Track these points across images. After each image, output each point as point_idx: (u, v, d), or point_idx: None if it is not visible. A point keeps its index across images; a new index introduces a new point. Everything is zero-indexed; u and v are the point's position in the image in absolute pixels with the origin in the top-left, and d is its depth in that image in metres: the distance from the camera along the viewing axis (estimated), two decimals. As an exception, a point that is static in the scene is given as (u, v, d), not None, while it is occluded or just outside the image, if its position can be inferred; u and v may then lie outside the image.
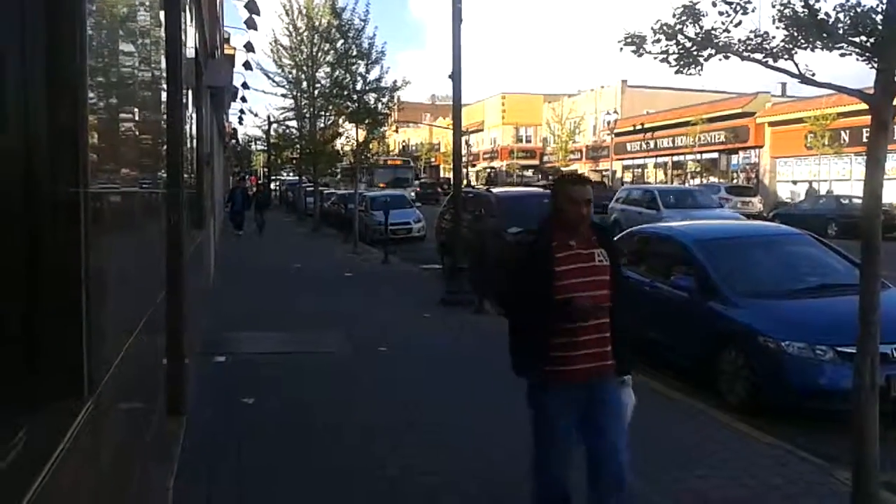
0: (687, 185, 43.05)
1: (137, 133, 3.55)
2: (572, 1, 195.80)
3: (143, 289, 3.65)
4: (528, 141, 71.26)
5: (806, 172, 37.33)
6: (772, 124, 39.66)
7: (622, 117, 52.44)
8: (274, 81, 32.81)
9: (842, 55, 4.58)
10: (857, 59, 4.57)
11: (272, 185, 55.74)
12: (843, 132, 31.94)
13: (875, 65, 4.34)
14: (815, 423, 6.33)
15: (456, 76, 13.71)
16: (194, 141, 9.86)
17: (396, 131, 73.86)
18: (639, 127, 49.08)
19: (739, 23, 4.71)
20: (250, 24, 21.83)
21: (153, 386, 4.08)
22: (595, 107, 58.02)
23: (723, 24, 4.71)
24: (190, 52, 9.07)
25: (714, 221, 12.07)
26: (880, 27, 4.28)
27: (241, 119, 44.68)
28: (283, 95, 33.59)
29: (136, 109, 3.50)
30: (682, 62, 4.76)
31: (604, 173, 55.02)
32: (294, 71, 31.96)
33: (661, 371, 8.12)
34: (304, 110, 31.87)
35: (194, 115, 9.59)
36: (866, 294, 4.12)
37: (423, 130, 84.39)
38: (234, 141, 49.03)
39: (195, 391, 6.71)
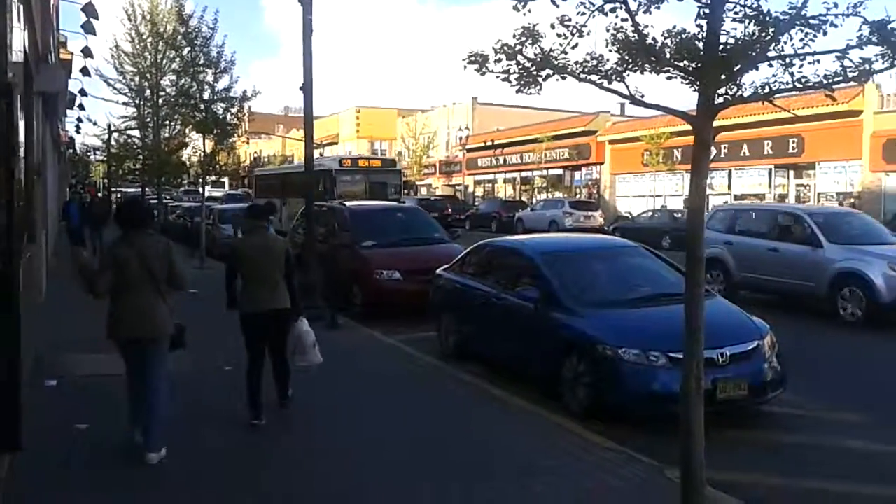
0: (534, 199, 44.63)
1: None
2: (427, 18, 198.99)
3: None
4: (384, 155, 71.55)
5: (643, 188, 39.55)
6: (611, 142, 41.78)
7: (474, 133, 53.73)
8: (115, 89, 31.32)
9: (668, 78, 4.88)
10: (682, 83, 4.89)
11: (112, 198, 52.90)
12: (675, 150, 34.08)
13: (697, 88, 4.65)
14: (653, 426, 6.67)
15: (307, 88, 13.57)
16: (22, 150, 9.23)
17: (247, 142, 72.12)
18: (489, 143, 50.38)
19: (576, 45, 4.92)
20: (88, 29, 20.69)
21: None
22: (448, 122, 59.07)
23: (560, 45, 4.90)
24: (18, 56, 8.50)
25: (557, 235, 12.47)
26: (702, 53, 4.59)
27: (78, 128, 42.15)
28: (125, 104, 32.15)
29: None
30: (522, 82, 4.91)
31: (457, 188, 56.09)
32: (137, 78, 30.63)
33: (512, 381, 8.33)
34: (148, 119, 30.57)
35: (23, 123, 8.98)
36: (691, 302, 4.40)
37: (276, 142, 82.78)
38: (70, 150, 46.21)
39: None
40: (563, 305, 7.76)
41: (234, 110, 25.77)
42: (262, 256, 7.04)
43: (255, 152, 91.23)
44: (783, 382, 7.33)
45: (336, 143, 74.07)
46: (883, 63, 4.27)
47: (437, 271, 10.78)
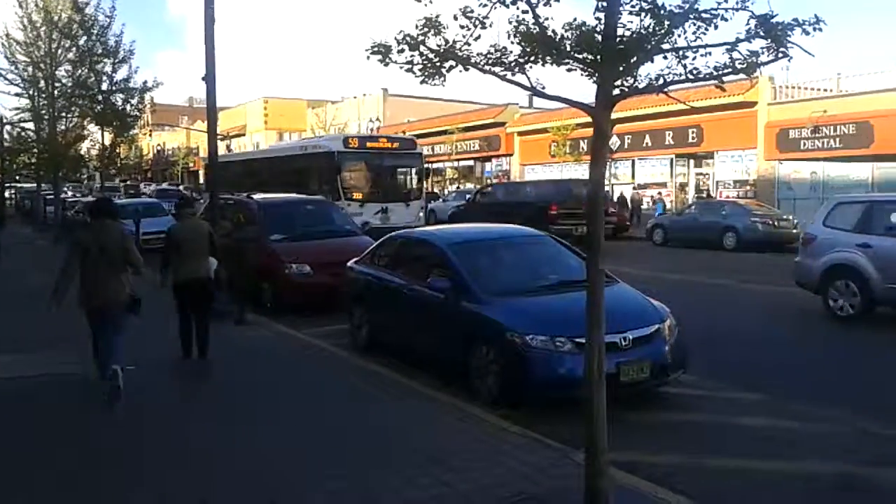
0: (446, 191, 44.83)
1: None
2: (338, 6, 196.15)
3: None
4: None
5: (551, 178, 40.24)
6: (520, 134, 42.39)
7: (385, 125, 53.57)
8: (6, 79, 29.78)
9: (568, 70, 4.97)
10: (582, 75, 4.99)
11: (6, 195, 50.34)
12: (581, 141, 34.84)
13: (596, 80, 4.76)
14: (561, 410, 6.79)
15: (210, 78, 13.25)
16: None
17: (150, 135, 69.92)
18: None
19: (479, 37, 4.96)
20: (-26, 16, 19.63)
21: None
22: (359, 114, 58.67)
23: (464, 37, 4.93)
24: None
25: (467, 225, 12.43)
26: (600, 46, 4.70)
27: (-33, 120, 39.90)
28: (18, 95, 30.59)
29: None
30: (426, 73, 4.91)
31: (368, 179, 55.82)
32: (30, 68, 29.22)
33: (423, 371, 8.37)
34: (43, 111, 29.22)
35: None
36: (591, 288, 4.51)
37: (180, 134, 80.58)
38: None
39: None
40: (473, 295, 7.84)
41: (134, 101, 24.98)
42: (192, 237, 9.03)
43: (159, 145, 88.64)
44: (683, 364, 7.61)
45: (243, 135, 72.70)
46: (768, 55, 4.44)
47: (349, 264, 10.72)
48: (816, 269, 12.17)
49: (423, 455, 5.79)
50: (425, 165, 26.24)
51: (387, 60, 4.91)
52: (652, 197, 33.88)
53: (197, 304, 8.98)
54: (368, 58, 4.98)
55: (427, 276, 8.67)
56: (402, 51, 4.83)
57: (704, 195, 31.46)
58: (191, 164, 78.72)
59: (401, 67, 4.97)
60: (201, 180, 42.71)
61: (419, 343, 8.81)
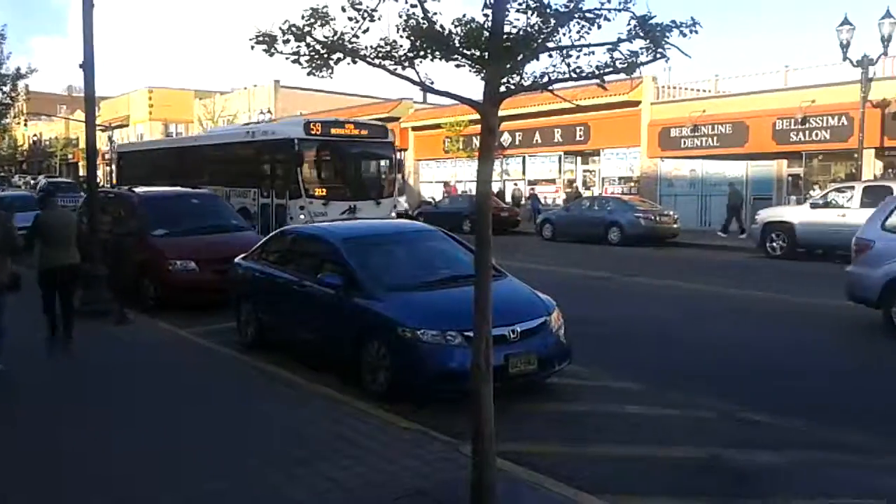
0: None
1: None
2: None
3: None
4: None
5: (445, 174, 40.54)
6: (415, 129, 42.41)
7: (276, 117, 52.46)
8: None
9: (457, 66, 4.98)
10: (470, 71, 5.03)
11: None
12: (474, 137, 35.14)
13: (483, 76, 4.80)
14: (453, 404, 6.81)
15: (88, 65, 12.64)
16: None
17: (25, 124, 66.21)
18: (292, 127, 49.41)
19: (367, 29, 4.91)
20: None
21: None
22: (249, 105, 57.29)
23: (352, 29, 4.87)
24: None
25: (359, 221, 12.31)
26: (487, 42, 4.74)
27: None
28: None
29: None
30: (313, 64, 4.82)
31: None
32: None
33: (313, 369, 8.26)
34: None
35: None
36: (479, 282, 4.55)
37: (59, 124, 76.54)
38: None
39: None
40: (365, 290, 7.78)
41: (6, 88, 23.63)
42: (59, 224, 9.45)
43: (35, 135, 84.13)
44: (569, 355, 7.80)
45: (126, 126, 69.79)
46: (647, 56, 4.59)
47: (236, 260, 10.45)
48: (877, 281, 10.40)
49: (309, 452, 5.71)
50: (398, 156, 22.93)
51: (272, 51, 4.79)
52: (531, 191, 34.57)
53: (62, 290, 9.39)
54: (253, 48, 4.85)
55: (318, 271, 8.55)
56: (287, 41, 4.73)
57: (573, 192, 32.41)
58: (70, 156, 74.97)
59: (287, 58, 4.86)
60: (81, 172, 40.65)
61: (309, 340, 8.69)
